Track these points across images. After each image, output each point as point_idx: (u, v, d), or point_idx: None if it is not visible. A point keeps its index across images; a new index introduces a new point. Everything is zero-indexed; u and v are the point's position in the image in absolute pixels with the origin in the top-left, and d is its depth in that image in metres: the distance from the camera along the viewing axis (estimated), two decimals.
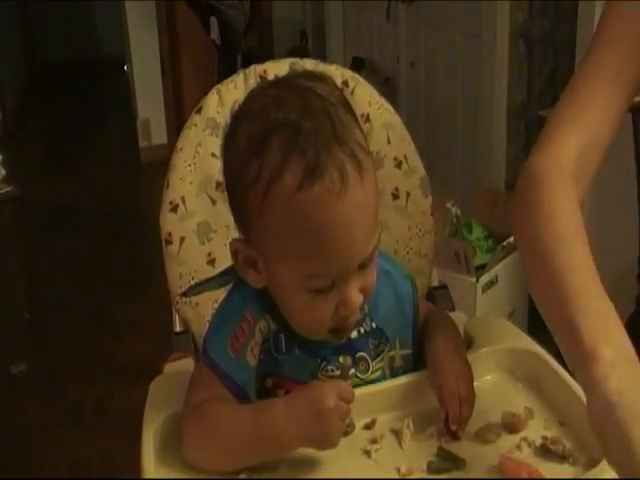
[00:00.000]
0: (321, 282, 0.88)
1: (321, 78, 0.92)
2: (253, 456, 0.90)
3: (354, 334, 0.98)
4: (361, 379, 0.99)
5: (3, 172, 3.07)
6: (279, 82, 0.97)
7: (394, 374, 1.02)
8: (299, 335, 0.96)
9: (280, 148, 0.84)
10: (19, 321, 3.20)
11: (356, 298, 0.89)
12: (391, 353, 1.02)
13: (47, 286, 3.32)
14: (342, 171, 0.83)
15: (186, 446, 0.92)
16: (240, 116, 0.91)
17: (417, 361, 1.04)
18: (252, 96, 0.93)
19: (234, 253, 0.93)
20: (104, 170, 5.07)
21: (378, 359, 1.01)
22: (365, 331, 1.00)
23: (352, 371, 0.98)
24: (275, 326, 0.96)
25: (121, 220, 4.31)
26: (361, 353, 0.99)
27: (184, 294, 1.16)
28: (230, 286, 1.00)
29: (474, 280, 2.48)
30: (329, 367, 0.97)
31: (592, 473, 0.83)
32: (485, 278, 2.51)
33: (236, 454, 0.90)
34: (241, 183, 0.87)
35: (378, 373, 1.01)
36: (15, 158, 3.54)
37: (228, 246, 0.95)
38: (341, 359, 0.96)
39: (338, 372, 0.96)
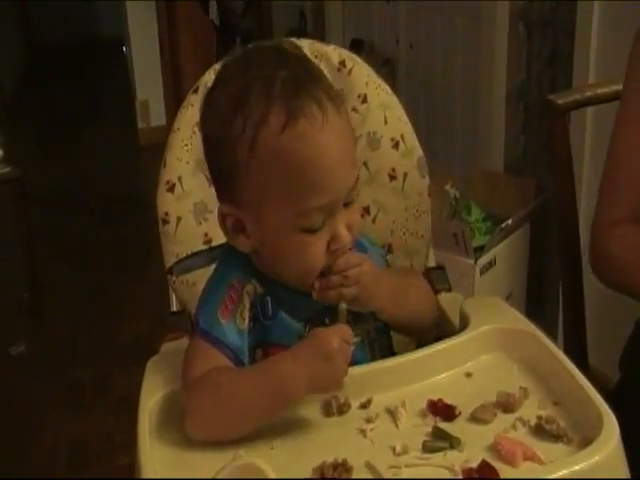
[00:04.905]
0: (314, 219, 0.92)
1: (287, 41, 1.02)
2: (264, 412, 0.90)
3: None
4: None
5: (1, 153, 3.07)
6: (249, 49, 1.02)
7: (370, 346, 1.05)
8: (284, 297, 0.99)
9: (261, 98, 0.90)
10: (18, 302, 3.20)
11: (346, 234, 0.94)
12: (366, 326, 1.05)
13: (46, 267, 3.32)
14: (321, 105, 0.90)
15: (190, 419, 0.91)
16: (217, 83, 0.97)
17: (390, 337, 1.08)
18: (225, 65, 0.99)
19: (222, 219, 0.97)
20: (103, 152, 5.07)
21: (357, 327, 1.03)
22: None
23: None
24: (262, 289, 0.99)
25: (120, 201, 4.31)
26: None
27: (170, 271, 1.17)
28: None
29: (472, 262, 2.48)
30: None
31: (585, 452, 0.83)
32: (483, 260, 2.51)
33: (245, 415, 0.90)
34: (226, 141, 0.92)
35: (358, 338, 1.03)
36: (14, 139, 3.54)
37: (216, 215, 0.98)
38: (314, 295, 0.98)
39: None
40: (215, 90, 0.96)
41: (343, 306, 0.97)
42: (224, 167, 0.95)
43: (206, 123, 0.98)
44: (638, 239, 1.22)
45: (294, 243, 0.93)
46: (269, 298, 0.99)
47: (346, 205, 0.95)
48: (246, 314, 0.98)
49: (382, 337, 1.08)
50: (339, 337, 0.89)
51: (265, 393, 0.89)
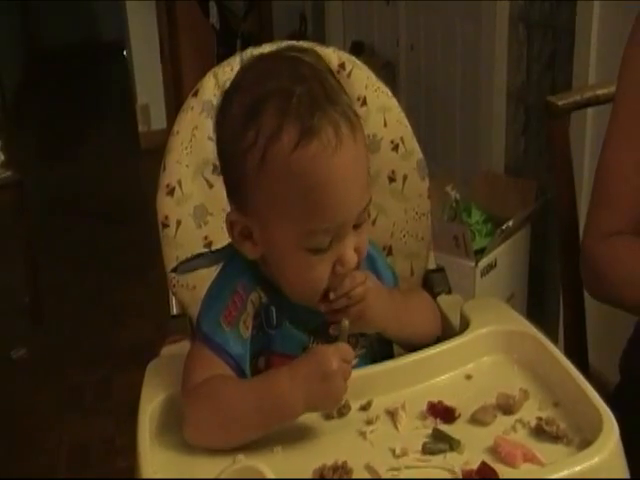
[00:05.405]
0: (320, 240, 0.90)
1: (306, 49, 0.98)
2: (260, 427, 0.90)
3: None
4: None
5: (2, 157, 3.07)
6: (267, 56, 1.00)
7: (373, 356, 1.05)
8: (289, 307, 0.98)
9: (275, 112, 0.87)
10: (19, 306, 3.21)
11: (352, 257, 0.93)
12: (370, 337, 1.04)
13: (47, 271, 3.33)
14: (336, 128, 0.87)
15: (189, 426, 0.91)
16: (232, 90, 0.94)
17: (392, 348, 1.07)
18: (242, 71, 0.97)
19: (230, 226, 0.96)
20: (104, 155, 5.08)
21: (363, 338, 1.03)
22: None
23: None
24: (266, 298, 0.98)
25: (121, 205, 4.31)
26: None
27: (174, 270, 1.17)
28: (221, 265, 1.02)
29: (473, 264, 2.48)
30: (318, 341, 0.98)
31: (585, 453, 0.83)
32: (484, 262, 2.51)
33: (243, 427, 0.90)
34: (238, 151, 0.90)
35: (364, 350, 1.03)
36: (14, 143, 3.54)
37: (224, 223, 0.97)
38: (331, 330, 0.97)
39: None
40: (230, 97, 0.94)
41: (346, 322, 0.95)
42: (234, 175, 0.94)
43: (219, 130, 0.96)
44: (628, 253, 1.20)
45: (298, 261, 0.92)
46: (274, 308, 0.98)
47: (356, 226, 0.93)
48: (249, 322, 0.97)
49: (384, 348, 1.07)
50: (338, 357, 0.88)
51: (262, 409, 0.89)
